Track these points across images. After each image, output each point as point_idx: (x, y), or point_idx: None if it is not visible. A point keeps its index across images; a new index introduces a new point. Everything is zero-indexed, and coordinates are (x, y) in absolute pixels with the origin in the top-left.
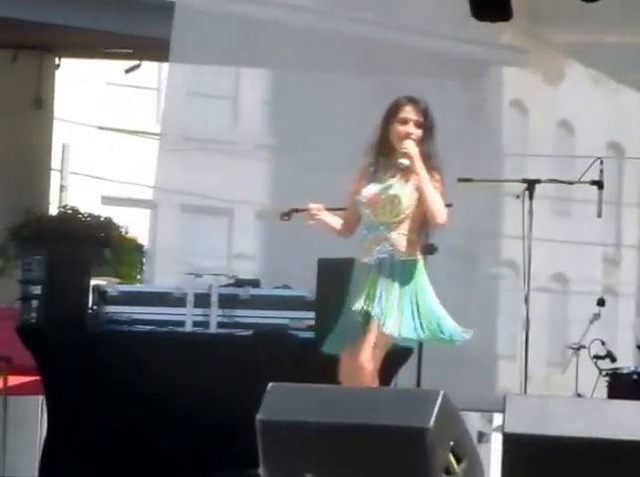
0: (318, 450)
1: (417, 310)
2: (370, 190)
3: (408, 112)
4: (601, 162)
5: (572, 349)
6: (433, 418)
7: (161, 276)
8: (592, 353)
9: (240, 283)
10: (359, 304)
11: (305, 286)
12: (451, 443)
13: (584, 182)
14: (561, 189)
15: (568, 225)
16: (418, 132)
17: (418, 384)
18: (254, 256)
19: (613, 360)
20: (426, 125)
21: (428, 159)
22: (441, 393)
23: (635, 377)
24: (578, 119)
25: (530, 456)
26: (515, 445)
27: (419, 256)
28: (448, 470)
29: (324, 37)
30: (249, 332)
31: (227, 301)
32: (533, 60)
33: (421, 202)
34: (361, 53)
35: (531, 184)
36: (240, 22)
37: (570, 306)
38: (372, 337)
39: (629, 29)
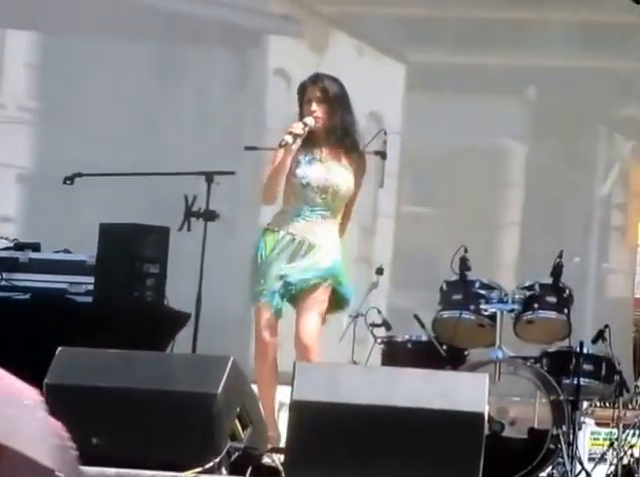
0: (107, 415)
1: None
2: (319, 173)
3: (310, 92)
4: (385, 133)
5: (351, 317)
6: (222, 385)
7: None
8: (369, 321)
9: (19, 247)
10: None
11: (85, 251)
12: (238, 409)
13: (368, 152)
14: None
15: None
16: (322, 108)
17: (194, 348)
18: (17, 220)
19: (389, 328)
20: (329, 101)
21: (336, 132)
22: (231, 359)
23: (409, 345)
24: None
25: (317, 423)
26: (303, 412)
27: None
28: (234, 436)
29: (96, 1)
30: (27, 296)
31: (5, 265)
32: (297, 29)
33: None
34: (138, 19)
35: None
36: None
37: None
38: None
39: (394, 1)
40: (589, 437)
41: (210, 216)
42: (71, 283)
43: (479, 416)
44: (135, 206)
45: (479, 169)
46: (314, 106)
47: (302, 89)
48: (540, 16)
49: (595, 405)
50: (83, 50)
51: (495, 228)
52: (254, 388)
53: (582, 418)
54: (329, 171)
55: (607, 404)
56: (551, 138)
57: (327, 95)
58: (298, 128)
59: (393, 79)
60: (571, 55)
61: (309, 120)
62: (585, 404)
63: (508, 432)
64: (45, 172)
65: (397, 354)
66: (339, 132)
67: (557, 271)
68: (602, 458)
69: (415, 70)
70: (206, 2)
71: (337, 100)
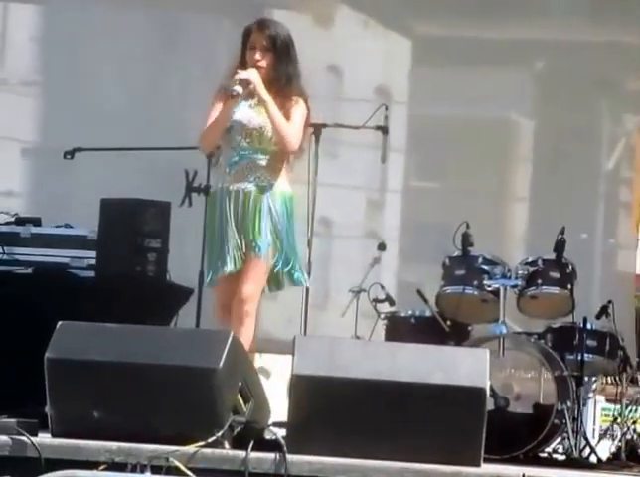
0: (107, 389)
1: (291, 246)
2: (244, 115)
3: (256, 38)
4: (386, 108)
5: (353, 292)
6: (223, 359)
7: None
8: (372, 296)
9: (20, 221)
10: (248, 235)
11: (87, 226)
12: (239, 384)
13: (369, 127)
14: (327, 131)
15: (333, 167)
16: (268, 56)
17: (198, 323)
18: (21, 194)
19: (392, 303)
20: (276, 49)
21: (280, 82)
22: (231, 333)
23: (413, 320)
24: (347, 63)
25: (318, 398)
26: (303, 386)
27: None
28: (236, 410)
29: None
30: (29, 270)
31: (7, 239)
32: (302, 3)
33: None
34: None
35: (317, 128)
36: None
37: (333, 250)
38: (256, 272)
39: None
40: (600, 414)
41: (209, 191)
42: (72, 258)
43: (480, 391)
44: (136, 180)
45: (487, 143)
46: (258, 55)
47: (247, 33)
48: None
49: (606, 382)
50: (85, 21)
51: (503, 202)
52: None
53: (591, 394)
54: (258, 114)
55: (616, 381)
56: (558, 112)
57: (274, 44)
58: (250, 76)
59: (399, 52)
60: (579, 27)
61: (253, 74)
62: (596, 382)
63: (513, 408)
64: (48, 146)
65: (400, 329)
66: (282, 83)
67: (559, 247)
68: (606, 434)
69: (422, 43)
70: None
71: (283, 50)
